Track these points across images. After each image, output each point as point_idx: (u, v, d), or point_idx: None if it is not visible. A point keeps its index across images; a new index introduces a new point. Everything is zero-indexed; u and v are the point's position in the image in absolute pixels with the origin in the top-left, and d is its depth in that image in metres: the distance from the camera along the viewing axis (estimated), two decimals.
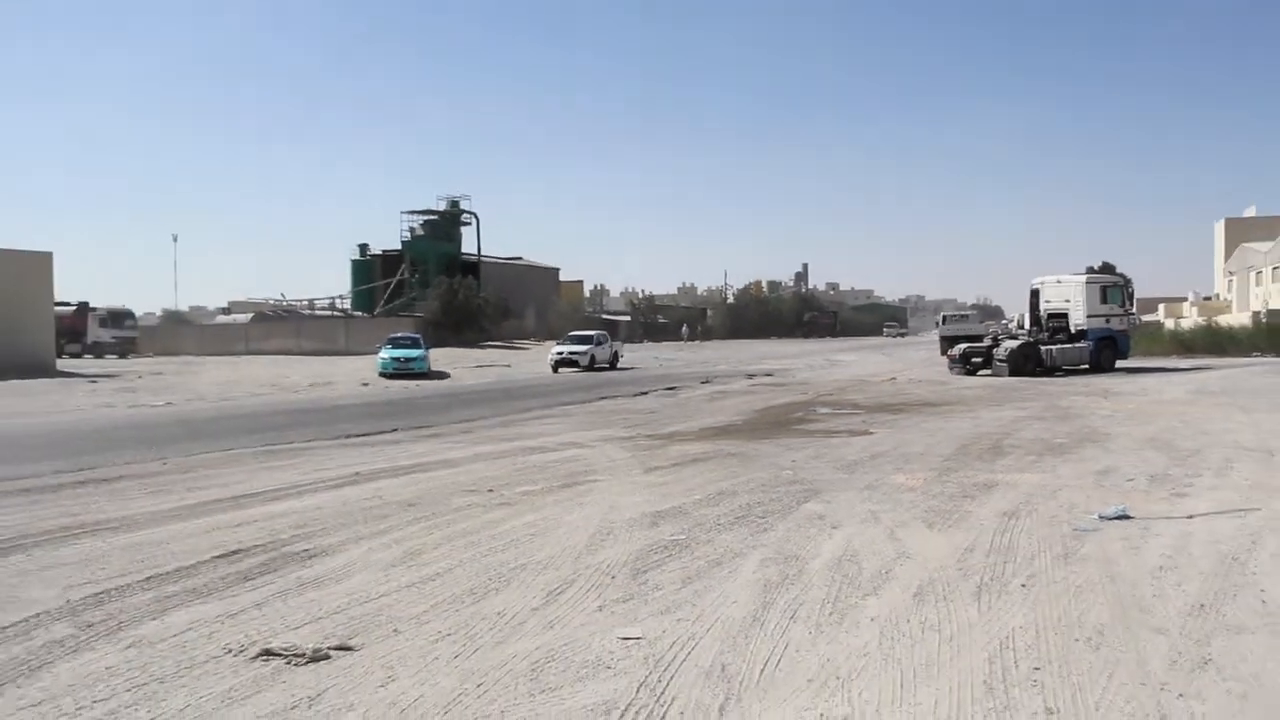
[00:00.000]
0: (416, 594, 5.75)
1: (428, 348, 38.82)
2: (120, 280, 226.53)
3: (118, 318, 60.59)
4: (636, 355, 53.76)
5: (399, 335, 40.85)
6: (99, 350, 56.63)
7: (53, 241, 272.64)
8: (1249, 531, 7.17)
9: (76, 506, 8.92)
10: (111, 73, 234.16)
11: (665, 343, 77.79)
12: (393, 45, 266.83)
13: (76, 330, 55.75)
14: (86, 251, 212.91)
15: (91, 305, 59.55)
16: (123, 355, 57.00)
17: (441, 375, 36.03)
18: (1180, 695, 4.05)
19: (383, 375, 34.57)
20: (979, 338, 33.28)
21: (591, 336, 41.53)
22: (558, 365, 38.59)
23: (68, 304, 54.70)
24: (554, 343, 44.21)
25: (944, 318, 56.55)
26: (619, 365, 41.62)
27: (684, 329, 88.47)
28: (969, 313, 64.62)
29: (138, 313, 68.57)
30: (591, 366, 38.81)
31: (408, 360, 35.51)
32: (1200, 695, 4.05)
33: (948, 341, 42.27)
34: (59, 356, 43.45)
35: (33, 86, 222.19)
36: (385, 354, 36.20)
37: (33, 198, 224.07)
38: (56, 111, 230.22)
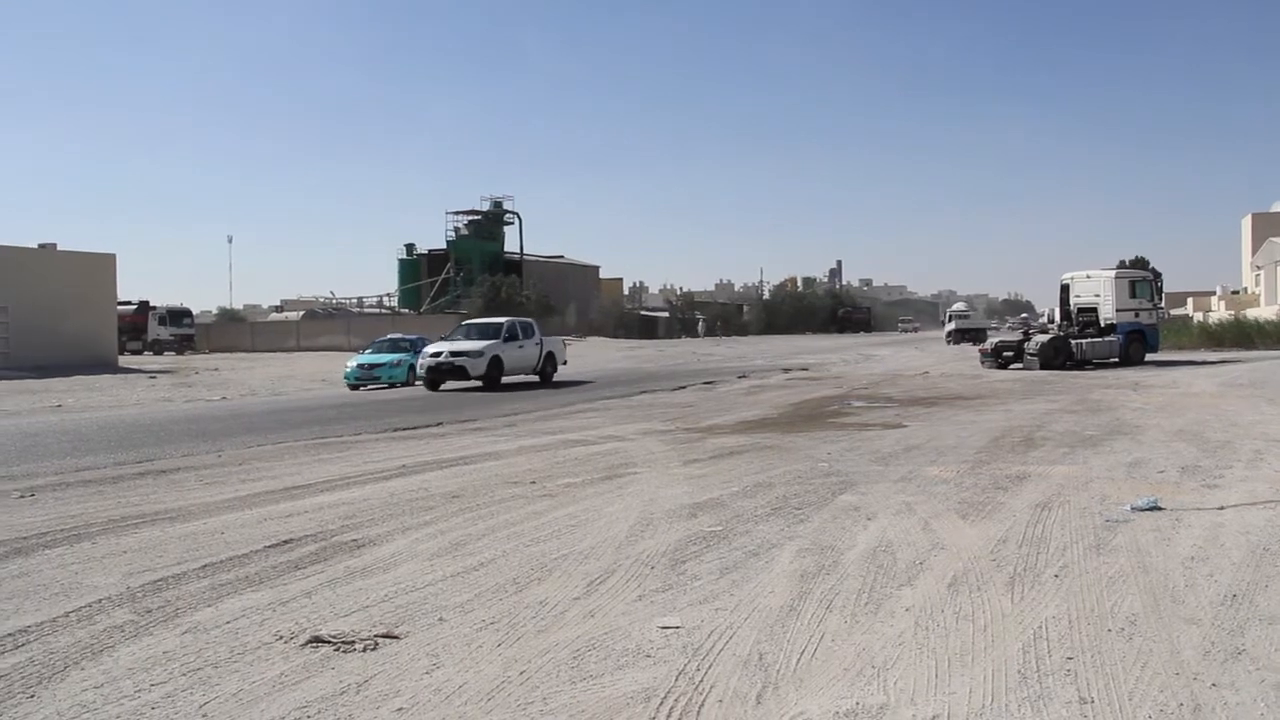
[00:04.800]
0: (461, 583, 5.87)
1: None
2: (179, 280, 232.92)
3: (176, 316, 62.17)
4: (674, 350, 53.64)
5: (394, 336, 31.87)
6: (158, 347, 58.19)
7: (115, 243, 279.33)
8: None
9: (136, 497, 9.21)
10: (171, 79, 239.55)
11: (704, 339, 78.03)
12: (441, 51, 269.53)
13: (137, 328, 57.39)
14: (147, 253, 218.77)
15: (151, 304, 61.12)
16: (181, 352, 58.33)
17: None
18: (1214, 685, 4.05)
19: (351, 388, 26.98)
20: (981, 331, 36.74)
21: (499, 327, 26.80)
22: (433, 377, 25.12)
23: (129, 303, 56.17)
24: (433, 343, 27.21)
25: (950, 315, 66.55)
26: (555, 376, 27.76)
27: (700, 325, 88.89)
28: (971, 311, 73.86)
29: (195, 311, 70.08)
30: (494, 378, 24.98)
31: (372, 368, 27.74)
32: (1234, 685, 4.04)
33: (954, 335, 58.58)
34: (121, 353, 44.65)
35: (96, 93, 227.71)
36: (351, 361, 28.49)
37: (97, 201, 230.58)
38: (119, 118, 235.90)
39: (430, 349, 25.90)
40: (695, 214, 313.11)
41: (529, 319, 29.86)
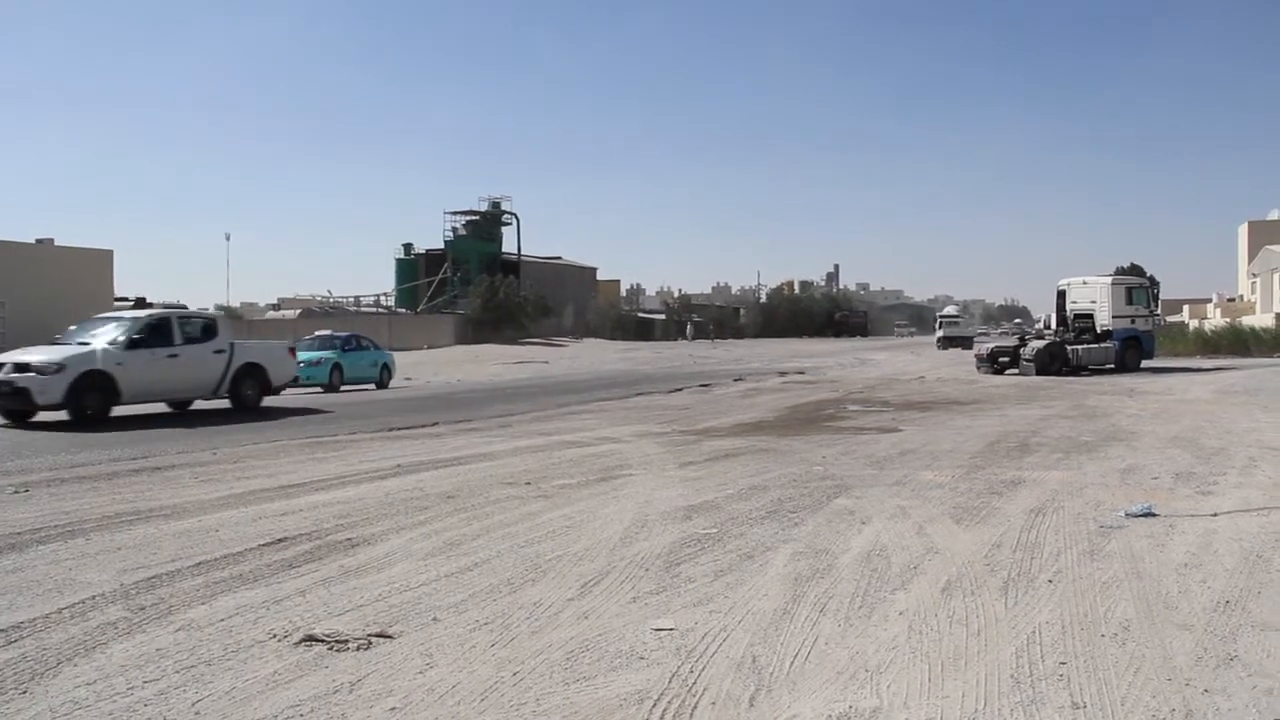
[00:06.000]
0: (455, 583, 5.87)
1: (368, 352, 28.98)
2: (176, 277, 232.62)
3: None
4: (670, 353, 53.57)
5: (324, 333, 30.17)
6: None
7: (113, 240, 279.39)
8: (1273, 529, 7.12)
9: (131, 493, 9.20)
10: (169, 78, 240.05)
11: (699, 341, 78.02)
12: (441, 51, 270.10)
13: None
14: (145, 250, 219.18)
15: (149, 301, 60.92)
16: None
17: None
18: (1206, 691, 4.06)
19: None
20: (970, 338, 37.78)
21: (127, 324, 17.15)
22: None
23: (126, 300, 55.84)
24: None
25: (940, 320, 67.63)
26: (268, 400, 19.19)
27: (689, 329, 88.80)
28: (961, 316, 75.39)
29: (192, 308, 69.83)
30: (87, 407, 15.82)
31: None
32: (1226, 691, 4.05)
33: (943, 341, 59.61)
34: None
35: (94, 91, 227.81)
36: None
37: (95, 198, 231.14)
38: (117, 116, 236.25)
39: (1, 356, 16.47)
40: (693, 216, 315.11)
41: (210, 317, 20.49)
